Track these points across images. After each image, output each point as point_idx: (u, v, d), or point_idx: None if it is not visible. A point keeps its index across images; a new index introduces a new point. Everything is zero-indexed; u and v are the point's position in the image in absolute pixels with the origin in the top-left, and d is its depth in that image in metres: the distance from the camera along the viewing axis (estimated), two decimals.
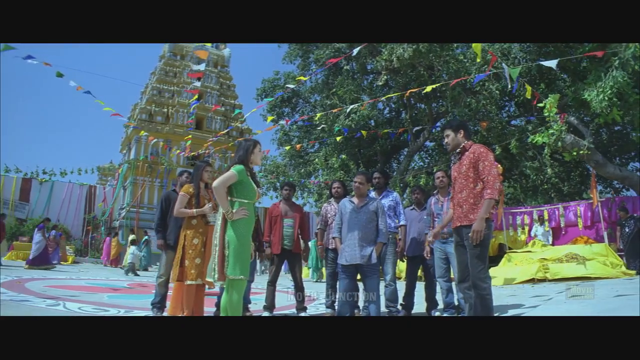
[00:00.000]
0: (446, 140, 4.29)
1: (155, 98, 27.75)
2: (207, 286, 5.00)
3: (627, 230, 10.97)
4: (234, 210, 3.90)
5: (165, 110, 27.60)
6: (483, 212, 3.85)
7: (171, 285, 5.37)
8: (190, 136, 19.91)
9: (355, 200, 5.12)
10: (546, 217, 14.01)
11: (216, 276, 3.87)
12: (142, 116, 26.95)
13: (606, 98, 9.49)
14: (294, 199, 6.97)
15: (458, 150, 4.20)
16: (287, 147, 21.22)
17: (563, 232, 13.80)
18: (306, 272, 17.79)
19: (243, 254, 3.88)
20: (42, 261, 13.95)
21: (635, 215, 10.82)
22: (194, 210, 5.14)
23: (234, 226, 3.90)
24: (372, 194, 6.06)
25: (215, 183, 3.86)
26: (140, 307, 6.37)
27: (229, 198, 3.99)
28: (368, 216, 5.00)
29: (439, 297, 6.12)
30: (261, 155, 4.22)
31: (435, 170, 5.63)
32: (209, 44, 29.03)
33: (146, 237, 18.03)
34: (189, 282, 4.94)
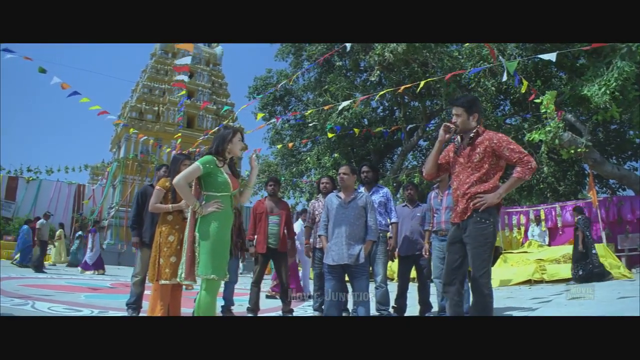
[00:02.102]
0: (455, 119, 3.63)
1: (146, 96, 27.36)
2: (184, 286, 4.67)
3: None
4: (203, 204, 3.56)
5: (156, 108, 27.22)
6: (504, 188, 3.39)
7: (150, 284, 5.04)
8: (179, 134, 19.53)
9: (342, 195, 4.76)
10: (543, 217, 13.71)
11: (183, 275, 3.53)
12: (132, 114, 26.55)
13: (608, 92, 9.14)
14: (285, 199, 6.63)
15: (472, 135, 3.56)
16: (279, 146, 20.89)
17: (560, 232, 13.49)
18: None
19: (217, 252, 3.52)
20: (97, 266, 13.81)
21: (578, 217, 10.27)
22: (170, 205, 4.79)
23: (205, 221, 3.55)
24: (362, 189, 5.72)
25: (176, 178, 3.52)
26: (117, 307, 6.03)
27: (203, 192, 3.66)
28: (356, 212, 4.64)
29: (432, 299, 5.81)
30: (241, 145, 3.85)
31: None
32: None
33: (79, 233, 17.54)
34: (162, 282, 4.60)
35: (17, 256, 14.84)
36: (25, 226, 15.30)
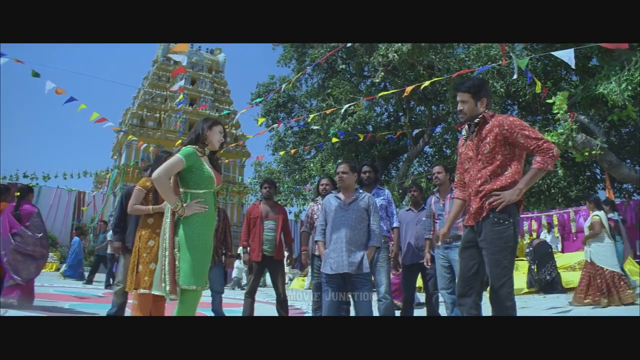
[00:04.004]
0: (461, 107, 3.14)
1: (147, 103, 27.12)
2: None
3: None
4: (184, 204, 3.11)
5: (157, 115, 26.95)
6: (523, 183, 2.90)
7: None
8: (180, 141, 19.18)
9: (341, 195, 4.28)
10: (555, 222, 13.18)
11: (168, 288, 3.06)
12: (133, 121, 26.29)
13: (630, 88, 8.64)
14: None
15: (476, 121, 3.09)
16: (282, 153, 20.48)
17: (574, 238, 12.92)
18: (300, 283, 16.89)
19: (199, 259, 3.08)
20: None
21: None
22: (151, 207, 4.36)
23: (186, 223, 3.11)
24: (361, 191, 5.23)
25: (155, 173, 3.06)
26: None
27: (181, 189, 3.21)
28: (358, 214, 4.15)
29: (442, 310, 5.33)
30: (220, 136, 3.40)
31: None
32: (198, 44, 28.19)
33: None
34: (142, 291, 4.15)
35: (63, 268, 14.32)
36: (77, 238, 14.75)
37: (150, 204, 4.41)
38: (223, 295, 5.91)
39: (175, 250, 3.09)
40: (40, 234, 5.95)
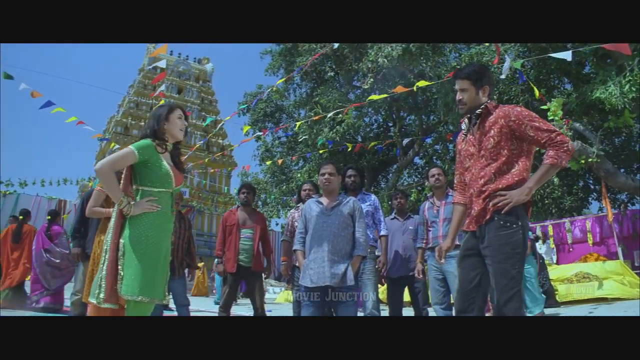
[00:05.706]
0: (460, 96, 2.75)
1: (132, 111, 26.69)
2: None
3: None
4: (133, 202, 2.67)
5: (142, 123, 26.48)
6: (534, 181, 2.49)
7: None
8: None
9: (323, 200, 3.83)
10: (551, 233, 12.82)
11: (102, 295, 2.62)
12: (117, 129, 25.80)
13: (634, 89, 8.30)
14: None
15: (478, 111, 2.69)
16: (268, 162, 20.06)
17: (570, 250, 12.55)
18: (287, 297, 16.35)
19: (147, 265, 2.65)
20: None
21: None
22: (112, 209, 3.89)
23: (134, 224, 2.69)
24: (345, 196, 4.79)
25: (98, 163, 2.65)
26: None
27: (133, 186, 2.78)
28: (341, 220, 3.69)
29: None
30: (182, 124, 2.96)
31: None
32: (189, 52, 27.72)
33: None
34: None
35: None
36: None
37: (112, 206, 3.96)
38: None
39: (120, 254, 2.65)
40: (67, 250, 6.99)
